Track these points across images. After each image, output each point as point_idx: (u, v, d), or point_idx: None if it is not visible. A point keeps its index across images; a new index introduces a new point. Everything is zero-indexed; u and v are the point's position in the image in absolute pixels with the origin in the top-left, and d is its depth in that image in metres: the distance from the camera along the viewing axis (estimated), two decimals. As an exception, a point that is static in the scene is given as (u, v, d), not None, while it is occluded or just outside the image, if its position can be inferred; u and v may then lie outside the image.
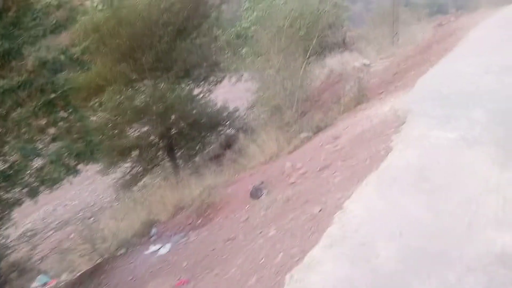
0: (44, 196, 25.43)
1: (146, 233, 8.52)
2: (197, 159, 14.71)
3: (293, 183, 5.20)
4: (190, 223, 6.87)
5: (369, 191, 3.44)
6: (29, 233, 21.12)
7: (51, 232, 21.25)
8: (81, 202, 23.15)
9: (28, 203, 23.73)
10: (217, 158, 13.40)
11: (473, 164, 3.51)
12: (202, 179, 10.32)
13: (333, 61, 19.91)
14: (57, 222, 22.41)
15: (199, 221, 6.68)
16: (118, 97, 11.04)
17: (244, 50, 9.61)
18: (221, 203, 6.57)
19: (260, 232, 4.06)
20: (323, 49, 17.79)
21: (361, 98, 9.88)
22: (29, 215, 23.22)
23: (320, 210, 3.51)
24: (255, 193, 5.64)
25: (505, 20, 12.45)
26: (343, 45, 20.31)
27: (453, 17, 15.44)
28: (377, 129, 4.93)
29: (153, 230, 7.93)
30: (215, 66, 12.72)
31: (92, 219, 20.84)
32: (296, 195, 4.54)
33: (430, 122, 4.50)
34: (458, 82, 5.96)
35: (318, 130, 8.97)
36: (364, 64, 15.45)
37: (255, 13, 9.24)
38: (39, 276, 9.54)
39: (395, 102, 5.83)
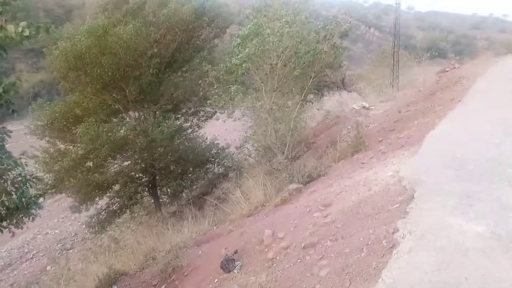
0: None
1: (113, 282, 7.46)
2: (180, 197, 13.72)
3: (271, 259, 4.23)
4: (154, 286, 5.83)
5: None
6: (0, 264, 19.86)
7: (25, 264, 19.99)
8: (63, 231, 21.94)
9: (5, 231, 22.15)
10: (203, 196, 12.45)
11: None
12: (181, 225, 9.35)
13: (331, 101, 19.33)
14: (34, 252, 21.17)
15: (163, 287, 5.64)
16: (97, 128, 10.15)
17: (233, 88, 8.82)
18: (189, 267, 5.57)
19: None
20: (320, 89, 17.19)
21: (359, 145, 9.06)
22: (6, 243, 21.97)
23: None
24: (227, 265, 4.66)
25: (512, 70, 11.81)
26: (341, 85, 19.70)
27: (457, 64, 14.84)
28: (377, 202, 4.01)
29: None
30: (205, 101, 11.95)
31: (71, 251, 19.65)
32: (272, 283, 3.57)
33: (447, 203, 3.51)
34: (475, 144, 5.06)
35: (309, 179, 8.09)
36: (364, 107, 14.76)
37: (246, 50, 8.51)
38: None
39: (399, 165, 4.91)
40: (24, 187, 4.54)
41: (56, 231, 22.42)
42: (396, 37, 30.95)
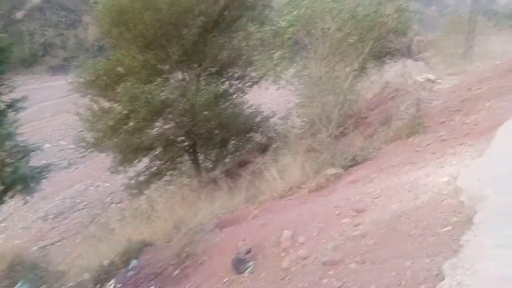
0: (81, 173, 25.32)
1: (135, 255, 7.24)
2: (223, 163, 13.30)
3: (286, 269, 3.55)
4: (166, 269, 5.42)
5: None
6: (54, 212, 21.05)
7: (76, 214, 21.01)
8: (113, 184, 22.71)
9: (63, 178, 23.48)
10: (244, 165, 11.92)
11: None
12: (214, 196, 8.93)
13: (393, 70, 17.68)
14: (85, 203, 22.19)
15: (176, 272, 5.21)
16: (136, 89, 9.77)
17: (277, 54, 7.92)
18: (204, 255, 5.07)
19: None
20: (380, 56, 15.68)
21: (417, 127, 7.93)
22: (62, 191, 23.21)
23: None
24: (238, 266, 4.07)
25: None
26: (407, 53, 17.86)
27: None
28: (423, 219, 3.13)
29: (133, 263, 6.58)
30: (250, 65, 11.12)
31: (120, 204, 20.33)
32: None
33: None
34: None
35: (353, 163, 7.21)
36: (428, 80, 13.17)
37: (295, 11, 7.51)
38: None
39: (459, 167, 3.89)
40: (23, 160, 4.13)
41: (107, 184, 23.27)
42: (476, 0, 27.77)
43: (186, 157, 12.50)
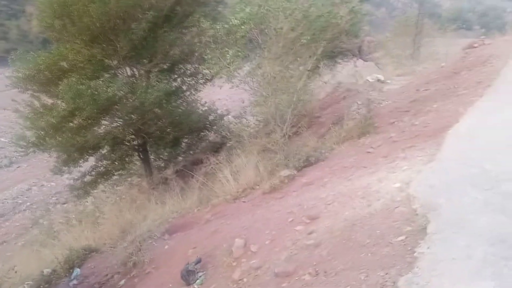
0: (24, 172, 23.71)
1: (78, 263, 6.80)
2: (176, 162, 12.91)
3: (237, 281, 3.39)
4: (112, 278, 5.10)
5: None
6: (-8, 214, 19.65)
7: (18, 215, 19.79)
8: (59, 184, 21.55)
9: (4, 177, 21.91)
10: (196, 164, 11.62)
11: None
12: (166, 197, 8.60)
13: (345, 70, 17.98)
14: (28, 204, 20.94)
15: (122, 282, 4.90)
16: (81, 85, 9.19)
17: (231, 52, 7.72)
18: (151, 264, 4.80)
19: None
20: (333, 56, 15.87)
21: (368, 127, 8.05)
22: (2, 191, 21.77)
23: None
24: (187, 277, 3.86)
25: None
26: (358, 53, 18.21)
27: (487, 39, 13.37)
28: (376, 228, 3.07)
29: (76, 272, 6.16)
30: (203, 62, 10.84)
31: (66, 205, 19.32)
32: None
33: (474, 254, 2.40)
34: (509, 153, 3.91)
35: (306, 164, 7.18)
36: (378, 80, 13.49)
37: (248, 8, 7.34)
38: None
39: (410, 172, 3.89)
40: None
41: (52, 183, 22.05)
42: (422, 4, 29.00)
43: (136, 156, 12.01)
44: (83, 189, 11.10)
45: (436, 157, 4.09)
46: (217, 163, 8.51)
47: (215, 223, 5.27)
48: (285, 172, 6.39)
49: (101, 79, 9.63)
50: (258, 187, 6.96)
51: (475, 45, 12.75)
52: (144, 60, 11.03)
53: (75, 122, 10.02)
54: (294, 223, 3.90)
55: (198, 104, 12.84)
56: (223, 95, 16.80)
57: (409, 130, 6.23)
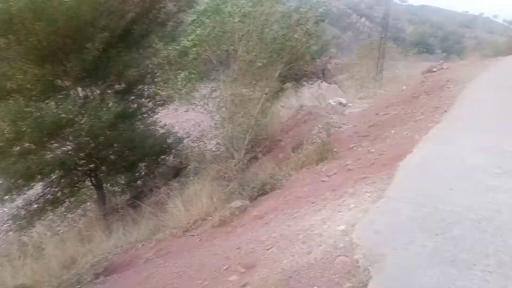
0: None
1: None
2: (127, 191, 12.27)
3: None
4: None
5: None
6: None
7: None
8: (6, 212, 20.22)
9: None
10: (151, 191, 11.06)
11: None
12: (110, 232, 8.02)
13: (310, 92, 18.00)
14: (-24, 231, 19.50)
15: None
16: (23, 107, 8.57)
17: (182, 75, 7.36)
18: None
19: None
20: (297, 78, 15.82)
21: (326, 152, 7.83)
22: None
23: None
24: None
25: (505, 77, 10.62)
26: (322, 76, 18.28)
27: (445, 64, 13.65)
28: (314, 281, 2.69)
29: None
30: (157, 85, 10.44)
31: (10, 233, 18.06)
32: None
33: None
34: (462, 186, 3.72)
35: (262, 192, 6.84)
36: (340, 103, 13.44)
37: (198, 31, 7.03)
38: None
39: (357, 212, 3.56)
40: None
41: (4, 209, 20.70)
42: (385, 28, 29.81)
43: (88, 182, 11.32)
44: (28, 218, 10.29)
45: (385, 193, 3.79)
46: (168, 191, 8.01)
47: (153, 264, 4.77)
48: (236, 203, 5.98)
49: (51, 100, 9.03)
50: (210, 217, 6.53)
51: (434, 69, 12.95)
52: (98, 81, 10.50)
53: (20, 146, 9.33)
54: (228, 271, 3.47)
55: (157, 127, 12.34)
56: (184, 117, 16.36)
57: (365, 158, 6.00)
